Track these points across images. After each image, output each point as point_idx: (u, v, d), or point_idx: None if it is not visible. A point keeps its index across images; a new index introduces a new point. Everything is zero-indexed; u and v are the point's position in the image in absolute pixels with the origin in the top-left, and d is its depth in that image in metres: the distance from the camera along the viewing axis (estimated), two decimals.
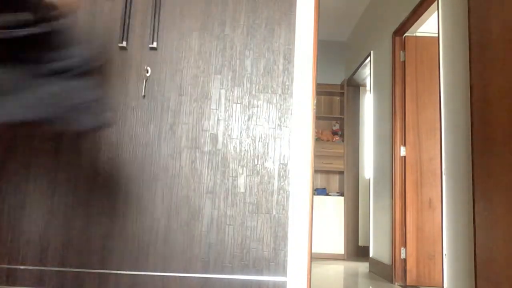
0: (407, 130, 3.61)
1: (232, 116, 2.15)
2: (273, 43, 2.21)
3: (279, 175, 2.10)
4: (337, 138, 5.73)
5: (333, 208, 5.35)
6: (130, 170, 2.08)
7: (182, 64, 2.18)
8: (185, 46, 2.19)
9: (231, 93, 2.17)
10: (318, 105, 5.93)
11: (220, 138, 2.12)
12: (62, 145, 2.09)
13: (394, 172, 3.60)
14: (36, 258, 2.01)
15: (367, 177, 5.71)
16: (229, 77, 2.18)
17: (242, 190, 2.08)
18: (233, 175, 2.09)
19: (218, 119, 2.14)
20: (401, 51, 3.75)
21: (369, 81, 5.55)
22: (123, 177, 2.07)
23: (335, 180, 5.81)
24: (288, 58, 2.19)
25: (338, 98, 5.99)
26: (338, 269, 4.43)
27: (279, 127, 2.15)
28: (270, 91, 2.17)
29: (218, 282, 2.01)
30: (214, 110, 2.15)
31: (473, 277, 2.16)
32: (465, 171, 2.43)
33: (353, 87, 5.91)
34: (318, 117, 5.81)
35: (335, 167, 5.56)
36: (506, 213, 1.91)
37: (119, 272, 2.01)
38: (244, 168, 2.10)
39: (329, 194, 5.51)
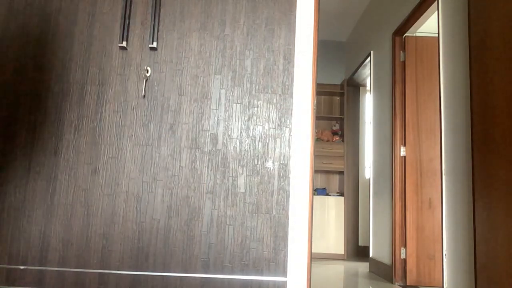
0: (407, 130, 3.61)
1: (232, 116, 2.15)
2: (273, 43, 2.21)
3: (279, 175, 2.10)
4: (337, 138, 5.73)
5: (333, 208, 5.35)
6: (130, 170, 2.08)
7: (182, 64, 2.18)
8: (185, 46, 2.19)
9: (231, 93, 2.17)
10: (318, 105, 5.93)
11: (220, 138, 2.12)
12: (62, 145, 2.09)
13: (394, 172, 3.60)
14: (36, 258, 2.01)
15: (367, 177, 5.71)
16: (229, 77, 2.18)
17: (242, 190, 2.08)
18: (233, 175, 2.09)
19: (218, 119, 2.14)
20: (401, 51, 3.75)
21: (369, 81, 5.55)
22: (123, 177, 2.07)
23: (335, 180, 5.82)
24: (288, 58, 2.19)
25: (338, 98, 6.00)
26: (338, 269, 4.43)
27: (279, 127, 2.14)
28: (270, 91, 2.17)
29: (218, 282, 2.01)
30: (214, 110, 2.15)
31: (473, 277, 2.16)
32: (465, 171, 2.43)
33: (353, 87, 5.91)
34: (318, 117, 5.82)
35: (335, 167, 5.56)
36: (506, 213, 1.91)
37: (119, 272, 2.01)
38: (244, 168, 2.10)
39: (329, 194, 5.51)
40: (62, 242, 2.02)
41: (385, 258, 3.76)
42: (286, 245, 2.04)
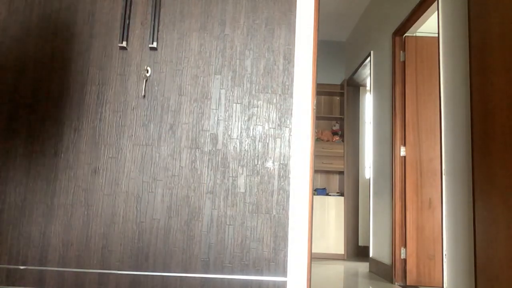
0: (407, 130, 3.61)
1: (232, 116, 2.15)
2: (273, 43, 2.21)
3: (279, 175, 2.10)
4: (337, 138, 5.73)
5: (333, 208, 5.35)
6: (130, 170, 2.08)
7: (182, 64, 2.18)
8: (185, 46, 2.19)
9: (231, 93, 2.17)
10: (318, 105, 5.93)
11: (220, 138, 2.12)
12: (62, 145, 2.09)
13: (394, 172, 3.60)
14: (36, 258, 2.01)
15: (367, 177, 5.71)
16: (229, 77, 2.18)
17: (242, 190, 2.08)
18: (233, 175, 2.09)
19: (218, 119, 2.14)
20: (401, 51, 3.75)
21: (369, 81, 5.55)
22: (123, 177, 2.07)
23: (335, 180, 5.82)
24: (288, 58, 2.19)
25: (338, 98, 6.00)
26: (338, 269, 4.43)
27: (279, 127, 2.15)
28: (270, 91, 2.17)
29: (218, 282, 2.01)
30: (214, 110, 2.15)
31: (473, 277, 2.16)
32: (465, 171, 2.43)
33: (353, 87, 5.91)
34: (318, 117, 5.82)
35: (335, 167, 5.56)
36: (506, 213, 1.91)
37: (119, 272, 2.01)
38: (244, 168, 2.10)
39: (329, 194, 5.51)
40: (62, 242, 2.02)
41: (385, 258, 3.76)
42: (286, 245, 2.04)
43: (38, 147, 2.09)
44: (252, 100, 2.16)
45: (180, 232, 2.04)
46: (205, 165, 2.10)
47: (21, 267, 2.00)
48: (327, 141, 5.67)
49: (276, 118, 2.15)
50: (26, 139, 2.09)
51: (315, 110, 2.17)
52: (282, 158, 2.12)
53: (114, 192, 2.06)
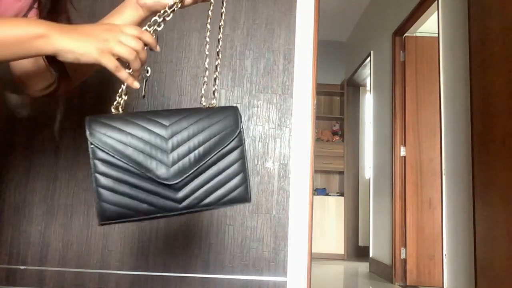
0: (407, 130, 3.61)
1: None
2: (273, 43, 2.21)
3: (279, 175, 2.10)
4: (337, 138, 5.73)
5: (333, 208, 5.35)
6: None
7: (182, 64, 2.18)
8: (185, 46, 2.19)
9: (231, 93, 2.17)
10: (318, 105, 5.92)
11: None
12: (62, 145, 2.09)
13: (394, 172, 3.60)
14: (36, 258, 2.01)
15: (367, 177, 5.71)
16: (229, 77, 2.18)
17: None
18: None
19: None
20: (401, 51, 3.75)
21: (369, 81, 5.55)
22: None
23: (335, 180, 5.82)
24: (288, 58, 2.19)
25: (338, 98, 6.00)
26: (338, 269, 4.43)
27: (279, 127, 2.14)
28: (270, 91, 2.17)
29: (218, 282, 2.01)
30: None
31: (473, 277, 2.16)
32: (465, 171, 2.43)
33: (353, 87, 5.91)
34: (318, 117, 5.81)
35: (335, 167, 5.56)
36: (506, 213, 1.91)
37: (119, 272, 2.01)
38: None
39: (329, 194, 5.51)
40: (62, 242, 2.02)
41: (385, 258, 3.76)
42: (286, 245, 2.04)
43: (38, 147, 2.09)
44: (252, 100, 2.16)
45: (180, 232, 2.04)
46: None
47: (21, 267, 2.00)
48: (327, 141, 5.67)
49: (276, 118, 2.15)
50: (26, 138, 2.09)
51: (315, 110, 2.17)
52: (282, 158, 2.12)
53: None
